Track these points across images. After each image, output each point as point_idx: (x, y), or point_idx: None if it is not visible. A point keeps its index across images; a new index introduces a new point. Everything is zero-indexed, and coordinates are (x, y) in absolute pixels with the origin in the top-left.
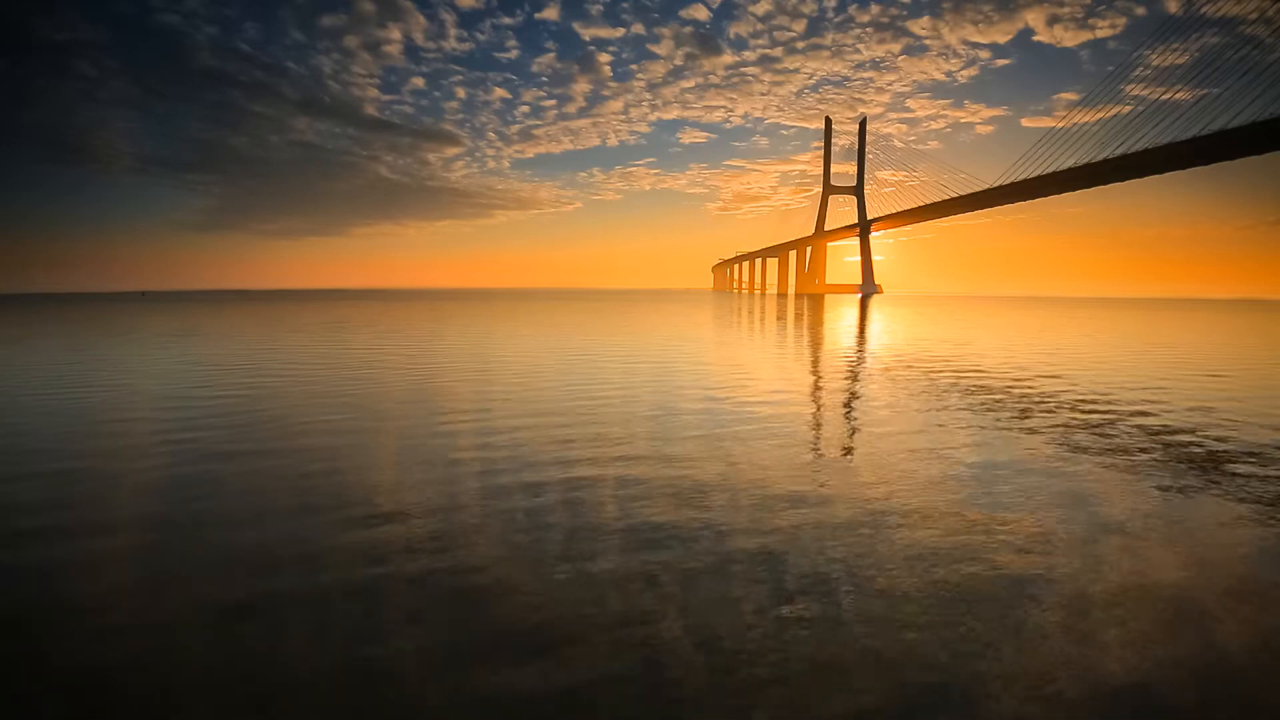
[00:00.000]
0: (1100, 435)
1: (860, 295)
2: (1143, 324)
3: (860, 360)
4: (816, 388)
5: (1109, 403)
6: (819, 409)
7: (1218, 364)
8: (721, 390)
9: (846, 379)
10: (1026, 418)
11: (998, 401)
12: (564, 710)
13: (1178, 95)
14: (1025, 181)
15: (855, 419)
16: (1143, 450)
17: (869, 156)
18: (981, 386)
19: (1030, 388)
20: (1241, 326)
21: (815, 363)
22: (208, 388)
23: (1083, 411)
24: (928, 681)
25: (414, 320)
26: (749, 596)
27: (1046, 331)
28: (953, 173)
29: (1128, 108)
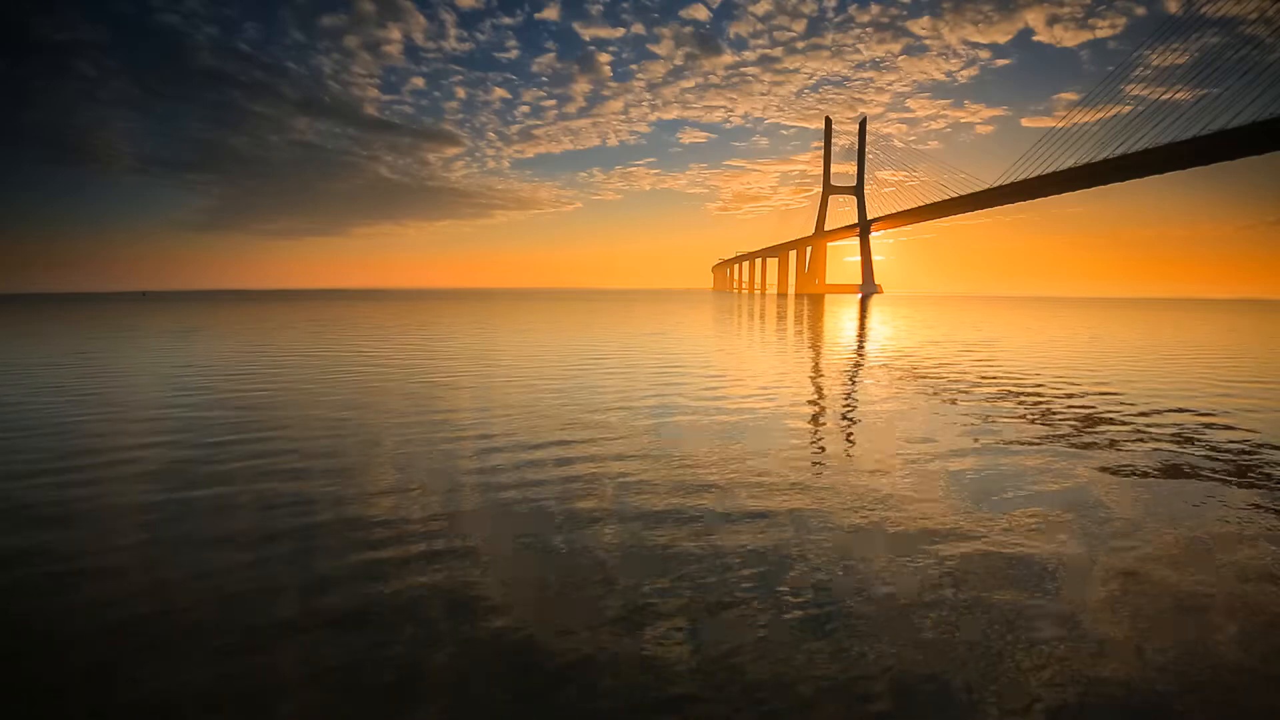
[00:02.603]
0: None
1: (860, 295)
2: (1155, 325)
3: (885, 367)
4: (860, 402)
5: (1191, 421)
6: (881, 433)
7: (1257, 367)
8: (743, 404)
9: (880, 390)
10: (1107, 441)
11: (1059, 420)
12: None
13: (1178, 95)
14: (1025, 181)
15: (908, 446)
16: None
17: (869, 156)
18: (1028, 398)
19: (1089, 403)
20: (1249, 327)
21: (841, 370)
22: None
23: (1167, 431)
24: None
25: (415, 321)
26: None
27: (1064, 333)
28: (953, 173)
29: (1128, 108)
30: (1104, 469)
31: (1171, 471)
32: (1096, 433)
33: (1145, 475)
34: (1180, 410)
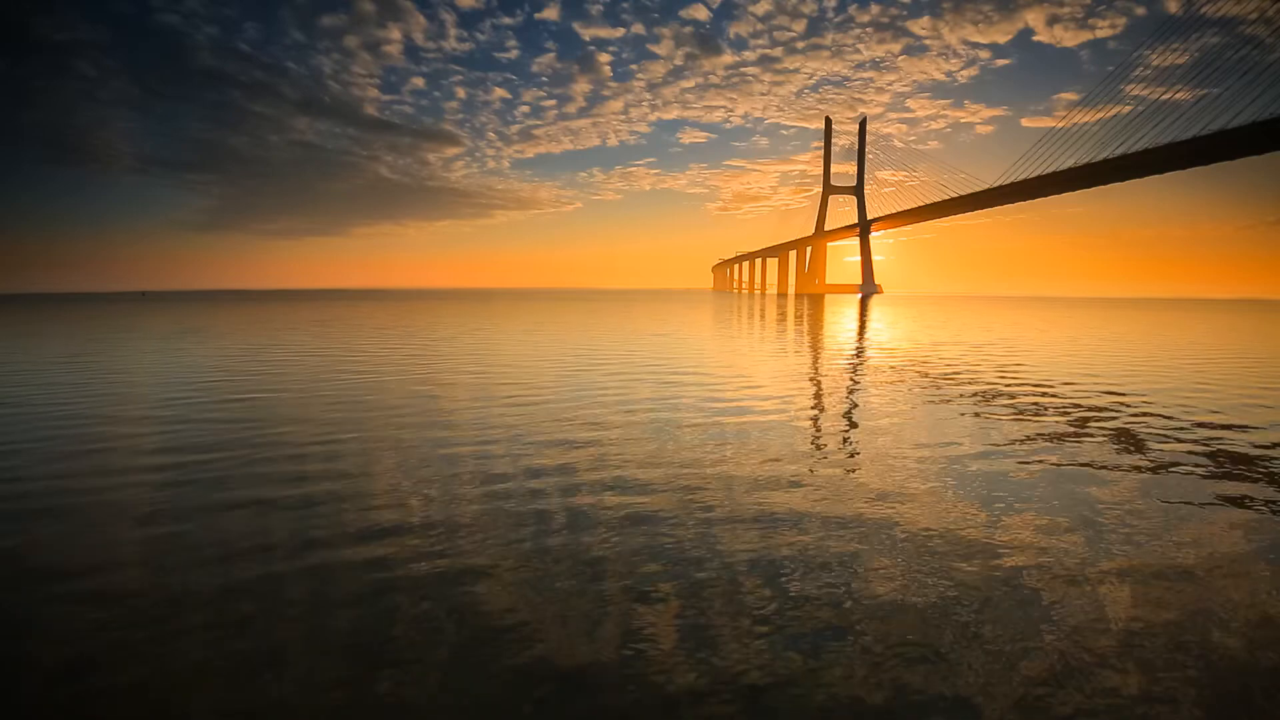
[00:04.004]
0: None
1: (860, 295)
2: (1160, 326)
3: (896, 370)
4: (880, 414)
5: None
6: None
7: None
8: (758, 416)
9: (897, 396)
10: (1158, 462)
11: (1100, 435)
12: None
13: (1178, 95)
14: (1025, 181)
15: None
16: None
17: (869, 156)
18: (1058, 408)
19: (1121, 413)
20: (1250, 328)
21: (853, 375)
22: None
23: (1217, 449)
24: None
25: (416, 322)
26: None
27: (1072, 333)
28: (953, 173)
29: (1128, 108)
30: (1166, 500)
31: (1236, 500)
32: (1148, 453)
33: (1205, 503)
34: (1213, 425)
